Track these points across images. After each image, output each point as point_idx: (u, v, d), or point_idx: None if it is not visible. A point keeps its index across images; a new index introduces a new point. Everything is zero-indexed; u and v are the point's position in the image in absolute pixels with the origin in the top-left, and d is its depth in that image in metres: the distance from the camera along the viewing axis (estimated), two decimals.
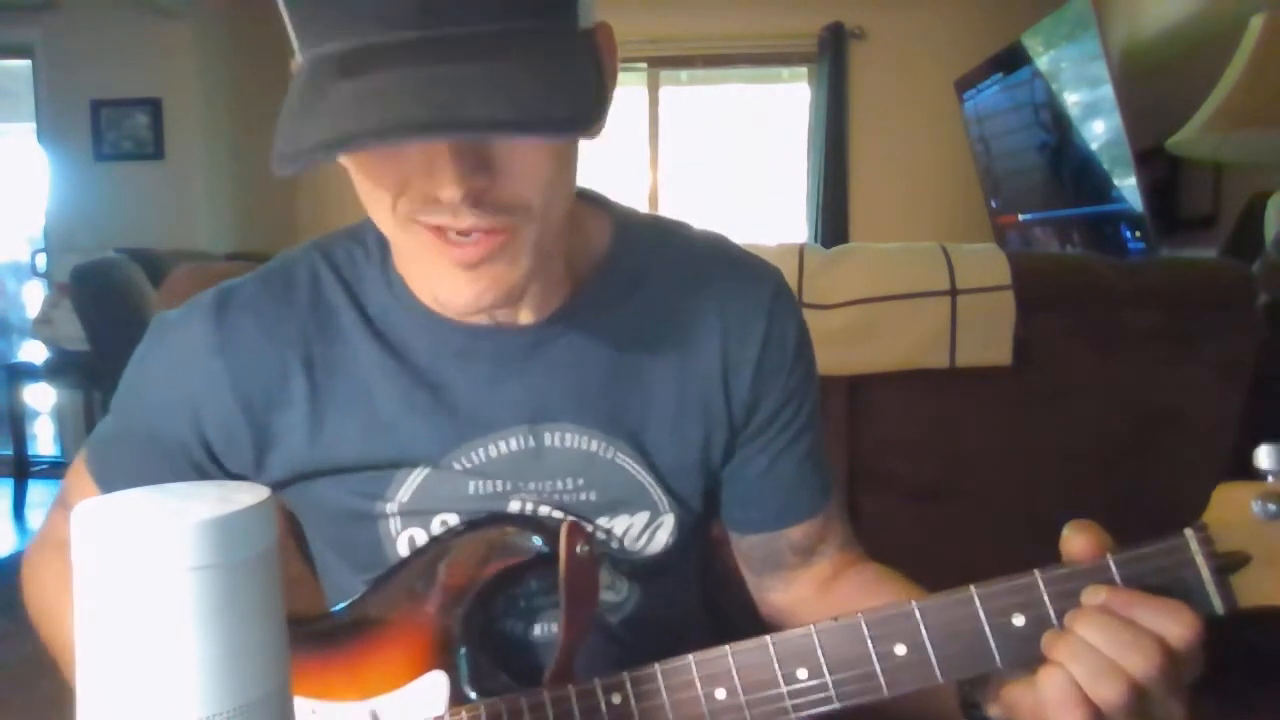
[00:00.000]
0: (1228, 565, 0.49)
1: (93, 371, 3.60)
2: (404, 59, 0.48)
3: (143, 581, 0.33)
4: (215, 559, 0.34)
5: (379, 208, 0.58)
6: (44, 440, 4.57)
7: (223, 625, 0.34)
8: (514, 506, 0.69)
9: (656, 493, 0.71)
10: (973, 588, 0.52)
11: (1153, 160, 2.64)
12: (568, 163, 0.60)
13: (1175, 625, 0.47)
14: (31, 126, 4.39)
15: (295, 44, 0.54)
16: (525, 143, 0.55)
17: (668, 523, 0.72)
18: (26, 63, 4.35)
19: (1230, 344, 1.35)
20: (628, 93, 4.69)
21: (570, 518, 0.67)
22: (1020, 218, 3.56)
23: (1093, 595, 0.50)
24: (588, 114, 0.50)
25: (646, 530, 0.71)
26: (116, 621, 0.34)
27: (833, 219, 4.40)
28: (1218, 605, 0.49)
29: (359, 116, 0.47)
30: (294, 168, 0.48)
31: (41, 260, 4.42)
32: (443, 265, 0.57)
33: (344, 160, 0.57)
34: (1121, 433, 1.36)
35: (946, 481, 1.38)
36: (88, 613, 0.34)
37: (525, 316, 0.68)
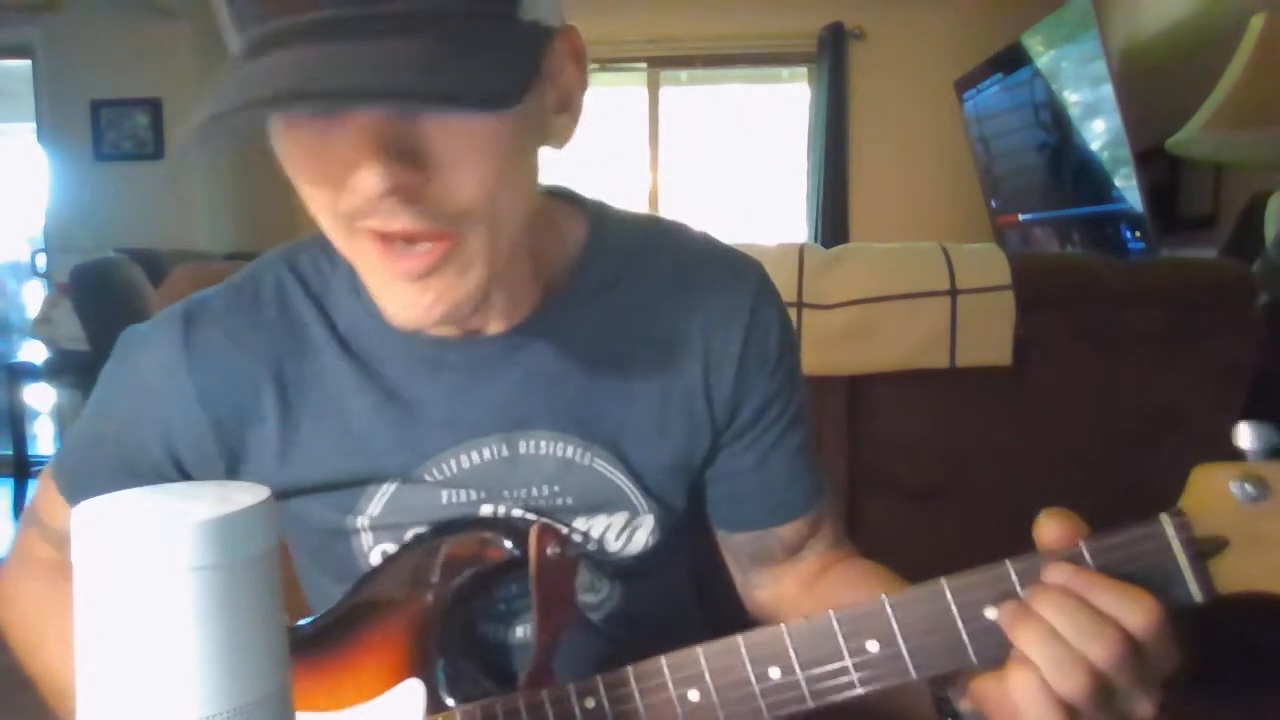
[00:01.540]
0: (1205, 551, 0.47)
1: (93, 371, 3.57)
2: (311, 37, 0.47)
3: (143, 581, 0.33)
4: (215, 559, 0.34)
5: (322, 216, 0.56)
6: (44, 440, 4.56)
7: (223, 625, 0.34)
8: (486, 510, 0.68)
9: (635, 495, 0.70)
10: (943, 580, 0.51)
11: (1153, 160, 2.64)
12: (515, 163, 0.56)
13: (1135, 613, 0.46)
14: (31, 126, 4.39)
15: (232, 38, 0.52)
16: (458, 135, 0.51)
17: (647, 523, 0.70)
18: (26, 63, 4.35)
19: (1230, 344, 1.34)
20: (628, 93, 4.69)
21: (541, 519, 0.66)
22: (1020, 218, 3.56)
23: (1055, 573, 0.48)
24: (499, 95, 0.47)
25: (625, 530, 0.70)
26: (116, 621, 0.34)
27: (833, 219, 4.40)
28: (1196, 593, 0.47)
29: (244, 91, 0.46)
30: (188, 150, 0.47)
31: (41, 260, 4.42)
32: (388, 278, 0.55)
33: (285, 162, 0.55)
34: (1121, 433, 1.36)
35: (946, 481, 1.38)
36: (88, 613, 0.34)
37: (495, 325, 0.67)
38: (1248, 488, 0.47)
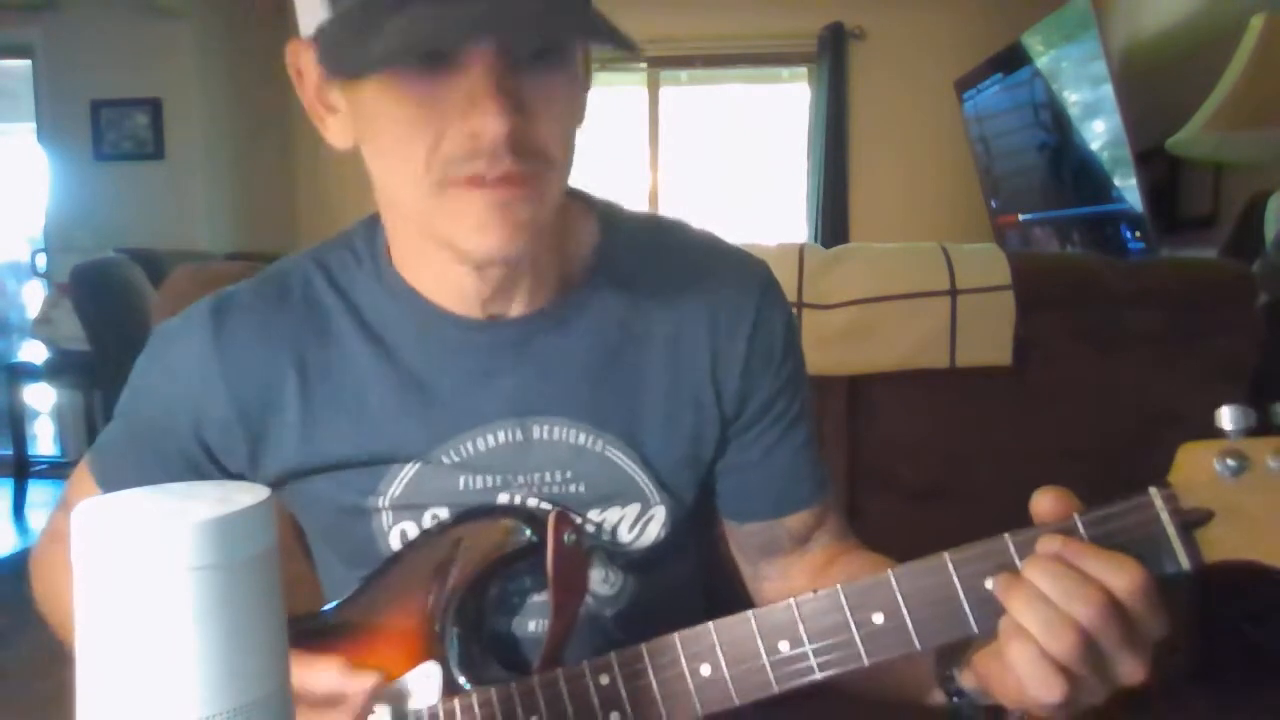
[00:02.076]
0: (1192, 521, 0.50)
1: (93, 371, 3.60)
2: None
3: (143, 581, 0.33)
4: (215, 559, 0.34)
5: (409, 172, 0.59)
6: (44, 440, 4.56)
7: (223, 625, 0.34)
8: (503, 499, 0.70)
9: (647, 485, 0.72)
10: (946, 554, 0.53)
11: (1153, 160, 2.64)
12: (578, 118, 0.64)
13: (1118, 576, 0.49)
14: (31, 126, 4.40)
15: (319, 2, 0.56)
16: (548, 87, 0.58)
17: (659, 515, 0.73)
18: (26, 63, 4.35)
19: (1230, 344, 1.34)
20: (628, 93, 4.69)
21: (558, 508, 0.68)
22: (1020, 218, 3.56)
23: (1047, 544, 0.51)
24: (623, 37, 0.54)
25: (638, 523, 0.72)
26: (116, 621, 0.34)
27: (833, 219, 4.40)
28: (1184, 561, 0.50)
29: (436, 21, 0.50)
30: (369, 70, 0.54)
31: (41, 260, 4.42)
32: (474, 211, 0.58)
33: (379, 121, 0.59)
34: (1121, 433, 1.36)
35: (946, 481, 1.37)
36: (88, 612, 0.34)
37: (517, 309, 0.70)
38: (1229, 462, 0.50)
